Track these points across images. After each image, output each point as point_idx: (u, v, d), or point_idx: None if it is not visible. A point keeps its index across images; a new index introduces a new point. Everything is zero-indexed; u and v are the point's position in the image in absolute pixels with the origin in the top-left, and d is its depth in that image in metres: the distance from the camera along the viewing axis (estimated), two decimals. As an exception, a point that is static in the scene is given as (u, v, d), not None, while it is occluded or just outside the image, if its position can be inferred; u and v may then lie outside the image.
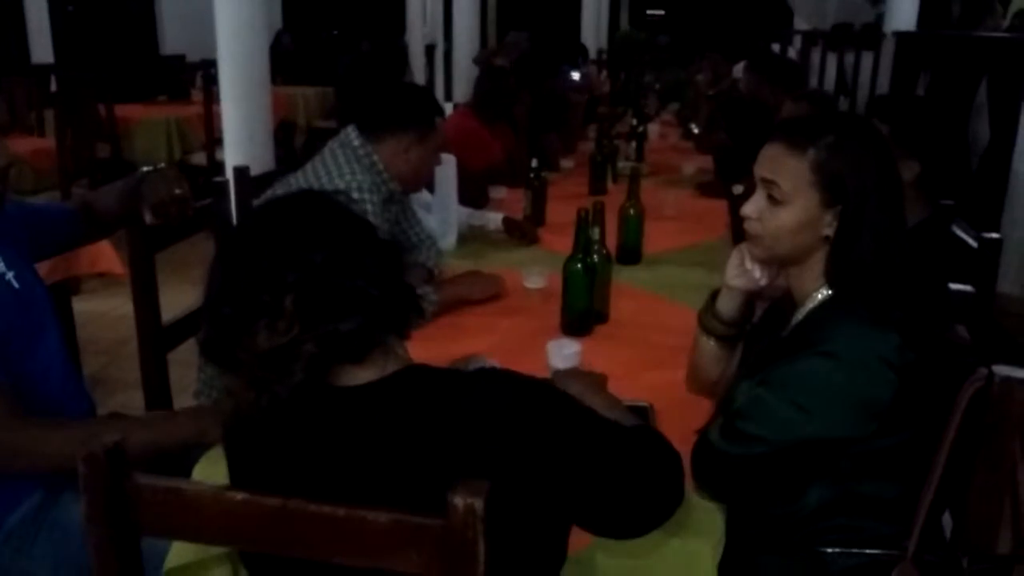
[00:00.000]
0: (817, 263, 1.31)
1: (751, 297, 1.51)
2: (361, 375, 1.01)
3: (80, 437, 1.40)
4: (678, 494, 1.11)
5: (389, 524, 0.84)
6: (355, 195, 1.92)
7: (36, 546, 1.46)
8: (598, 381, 1.49)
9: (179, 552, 1.33)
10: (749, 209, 1.34)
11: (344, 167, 1.98)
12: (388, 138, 2.02)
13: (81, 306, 3.60)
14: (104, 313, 3.79)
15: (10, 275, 1.52)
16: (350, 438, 0.99)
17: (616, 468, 1.05)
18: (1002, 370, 1.16)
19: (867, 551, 1.23)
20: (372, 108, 2.08)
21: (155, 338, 2.01)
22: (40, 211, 1.76)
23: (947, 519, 1.38)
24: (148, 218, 1.71)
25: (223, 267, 1.02)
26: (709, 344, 1.54)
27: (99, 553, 0.91)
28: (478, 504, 0.80)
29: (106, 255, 3.01)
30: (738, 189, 3.35)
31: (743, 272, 1.46)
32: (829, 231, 1.28)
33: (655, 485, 1.09)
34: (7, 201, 1.60)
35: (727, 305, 1.51)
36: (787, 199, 1.29)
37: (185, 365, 2.20)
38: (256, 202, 2.11)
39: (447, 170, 2.57)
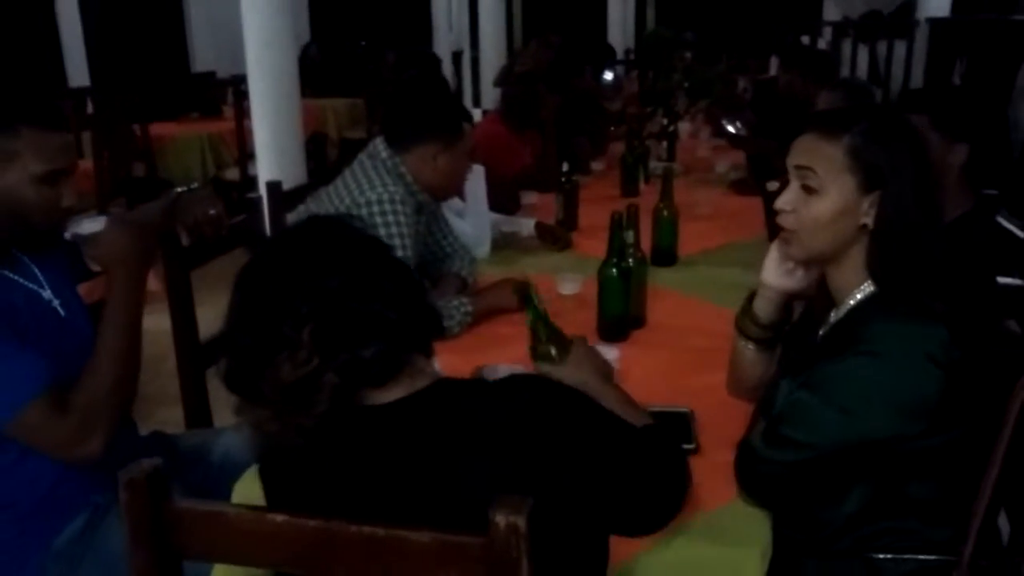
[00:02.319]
0: (857, 257, 1.27)
1: (789, 298, 1.48)
2: (390, 393, 1.00)
3: (105, 366, 1.48)
4: (684, 490, 1.14)
5: (431, 543, 0.83)
6: (387, 206, 1.92)
7: (83, 568, 1.48)
8: (606, 370, 1.49)
9: (221, 574, 1.34)
10: (783, 201, 1.31)
11: (375, 179, 1.98)
12: (415, 148, 2.02)
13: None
14: (144, 330, 3.84)
15: (56, 303, 1.55)
16: (383, 457, 0.99)
17: (637, 471, 1.06)
18: (1057, 367, 1.12)
19: (919, 556, 1.20)
20: (398, 119, 2.08)
21: (193, 354, 2.03)
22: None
23: (1003, 523, 1.34)
24: (184, 239, 1.72)
25: (240, 298, 1.03)
26: (748, 348, 1.51)
27: (142, 577, 0.91)
28: (520, 522, 0.79)
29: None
30: (773, 186, 3.29)
31: (781, 271, 1.43)
32: (867, 220, 1.24)
33: (669, 484, 1.11)
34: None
35: (764, 308, 1.48)
36: (822, 187, 1.26)
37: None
38: (290, 216, 2.12)
39: (476, 180, 2.57)
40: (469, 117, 2.14)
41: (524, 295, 1.50)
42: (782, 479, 1.25)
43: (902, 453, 1.22)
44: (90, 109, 5.56)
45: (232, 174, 5.70)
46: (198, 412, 2.05)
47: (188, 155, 5.66)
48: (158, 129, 5.69)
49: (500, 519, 0.79)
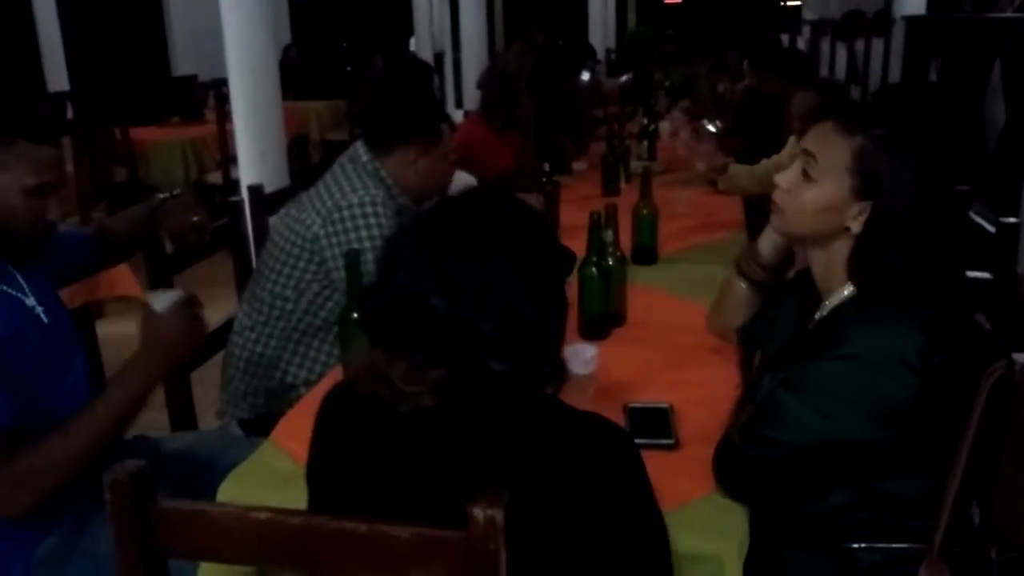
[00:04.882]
0: (839, 254, 1.29)
1: (793, 244, 1.48)
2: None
3: (74, 437, 1.42)
4: None
5: (411, 537, 0.85)
6: (368, 209, 1.93)
7: (69, 573, 1.48)
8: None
9: (208, 572, 1.35)
10: (781, 178, 1.33)
11: (356, 182, 1.99)
12: (395, 151, 2.03)
13: (105, 329, 3.62)
14: (127, 335, 3.80)
15: (40, 309, 1.55)
16: (416, 456, 0.98)
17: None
18: (1022, 358, 1.15)
19: (894, 545, 1.23)
20: (376, 122, 2.10)
21: (177, 359, 2.04)
22: (61, 239, 1.79)
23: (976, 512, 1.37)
24: (167, 246, 1.74)
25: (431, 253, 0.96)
26: (741, 287, 1.55)
27: (128, 577, 0.92)
28: (498, 515, 0.81)
29: (125, 279, 3.03)
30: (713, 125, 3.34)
31: None
32: (854, 225, 1.25)
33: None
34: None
35: (768, 248, 1.50)
36: (820, 177, 1.27)
37: (210, 383, 2.23)
38: (272, 219, 2.13)
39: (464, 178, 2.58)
40: (447, 118, 2.16)
41: None
42: (760, 476, 1.28)
43: (878, 454, 1.25)
44: (70, 114, 5.54)
45: (215, 178, 5.69)
46: (182, 415, 2.06)
47: (170, 159, 5.64)
48: (139, 134, 5.68)
49: (478, 512, 0.81)
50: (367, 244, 1.89)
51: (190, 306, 1.49)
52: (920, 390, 1.18)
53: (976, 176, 3.25)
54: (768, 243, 1.51)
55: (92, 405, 1.45)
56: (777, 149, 3.05)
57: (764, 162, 2.90)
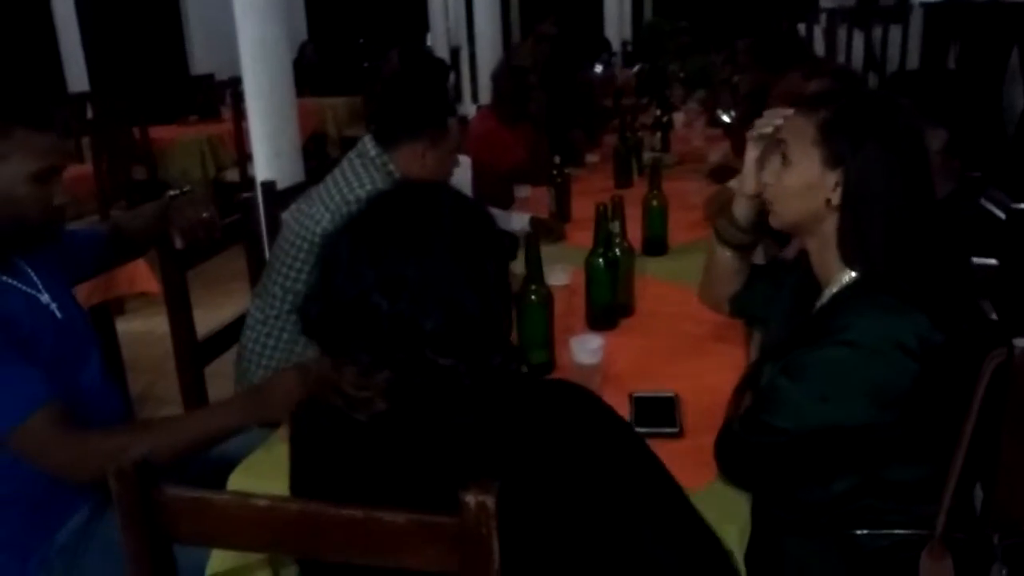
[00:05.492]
0: (833, 239, 1.30)
1: (794, 234, 1.50)
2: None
3: (125, 444, 1.46)
4: None
5: (407, 524, 0.86)
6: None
7: (87, 560, 1.52)
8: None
9: (220, 559, 1.37)
10: (767, 173, 1.38)
11: (364, 176, 2.01)
12: (403, 145, 2.04)
13: (125, 326, 3.70)
14: (148, 332, 3.88)
15: (54, 305, 1.58)
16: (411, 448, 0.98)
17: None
18: (1023, 344, 1.14)
19: (896, 531, 1.23)
20: (384, 116, 2.11)
21: (191, 353, 2.08)
22: (75, 237, 1.82)
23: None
24: (178, 242, 1.76)
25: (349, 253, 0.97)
26: (725, 255, 1.60)
27: (135, 562, 0.94)
28: (489, 501, 0.82)
29: (143, 275, 3.09)
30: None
31: (756, 172, 1.49)
32: (835, 196, 1.27)
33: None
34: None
35: (742, 211, 1.55)
36: (793, 158, 1.31)
37: (224, 377, 2.26)
38: (283, 215, 2.16)
39: (463, 171, 2.60)
40: (454, 111, 2.17)
41: None
42: (761, 463, 1.28)
43: (879, 439, 1.25)
44: (90, 114, 5.61)
45: (232, 175, 5.75)
46: (196, 407, 2.09)
47: (188, 158, 5.70)
48: (158, 132, 5.74)
49: (470, 499, 0.82)
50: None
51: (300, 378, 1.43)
52: (919, 375, 1.18)
53: (995, 162, 3.21)
54: (742, 205, 1.55)
55: (186, 417, 1.50)
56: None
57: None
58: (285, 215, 2.11)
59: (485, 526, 0.82)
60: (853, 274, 1.29)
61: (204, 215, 1.77)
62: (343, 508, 0.88)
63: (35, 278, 1.58)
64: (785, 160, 1.33)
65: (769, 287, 1.61)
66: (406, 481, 0.96)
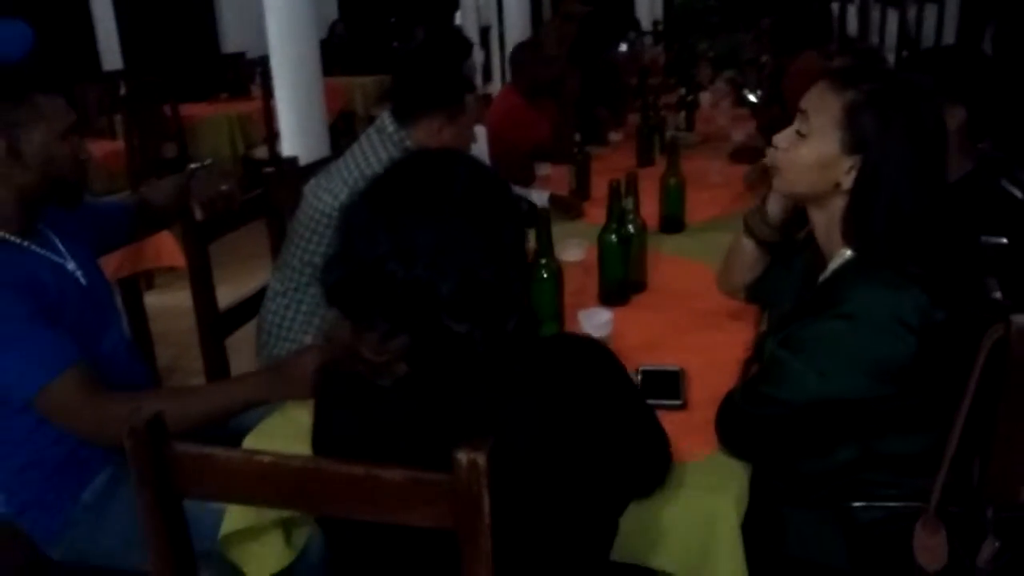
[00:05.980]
0: (839, 216, 1.30)
1: (800, 204, 1.50)
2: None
3: (152, 406, 1.51)
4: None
5: (403, 481, 0.90)
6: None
7: (112, 518, 1.58)
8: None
9: (233, 519, 1.43)
10: (778, 138, 1.36)
11: (382, 152, 2.04)
12: (420, 121, 2.07)
13: (152, 300, 3.79)
14: (175, 306, 3.96)
15: (79, 273, 1.64)
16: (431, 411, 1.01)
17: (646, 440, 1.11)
18: (1020, 319, 1.15)
19: (892, 504, 1.24)
20: (402, 92, 2.13)
21: (213, 324, 2.13)
22: (102, 209, 1.88)
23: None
24: (198, 214, 1.81)
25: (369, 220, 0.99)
26: (749, 246, 1.59)
27: (149, 516, 0.99)
28: (480, 459, 0.85)
29: (169, 249, 3.15)
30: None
31: None
32: (845, 181, 1.27)
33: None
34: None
35: (776, 207, 1.54)
36: (811, 134, 1.30)
37: (244, 351, 2.32)
38: (304, 188, 2.20)
39: (479, 145, 2.62)
40: (472, 88, 2.19)
41: None
42: (761, 433, 1.31)
43: (878, 412, 1.26)
44: (123, 91, 5.70)
45: (261, 153, 5.82)
46: (219, 378, 2.14)
47: (218, 135, 5.79)
48: (188, 110, 5.82)
49: (462, 457, 0.85)
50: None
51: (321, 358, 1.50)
52: (918, 349, 1.19)
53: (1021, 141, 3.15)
54: (776, 203, 1.53)
55: (209, 387, 1.56)
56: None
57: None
58: (305, 189, 2.15)
59: (476, 484, 0.85)
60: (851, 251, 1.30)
61: (223, 188, 1.81)
62: (344, 465, 0.92)
63: (60, 246, 1.64)
64: (801, 133, 1.31)
65: (781, 269, 1.61)
66: (424, 443, 0.98)
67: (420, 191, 0.98)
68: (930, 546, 1.18)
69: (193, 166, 1.88)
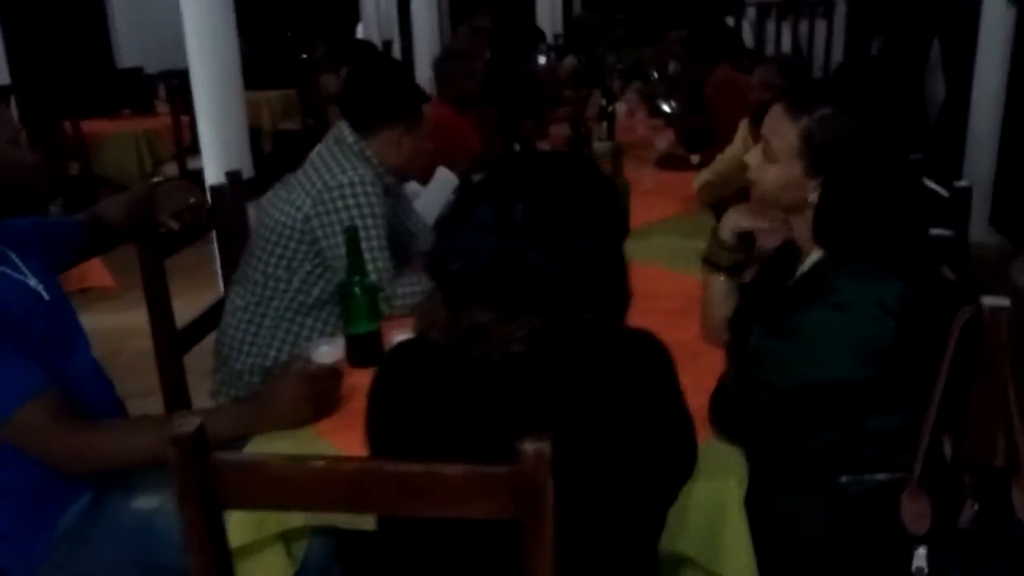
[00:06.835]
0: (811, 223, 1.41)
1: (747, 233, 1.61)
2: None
3: (127, 436, 1.48)
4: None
5: (463, 475, 0.92)
6: (359, 188, 1.98)
7: (91, 545, 1.52)
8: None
9: (234, 536, 1.40)
10: (750, 157, 1.47)
11: (344, 163, 2.04)
12: (380, 131, 2.08)
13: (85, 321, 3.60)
14: (92, 329, 3.80)
15: (40, 287, 1.58)
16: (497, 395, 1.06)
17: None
18: (989, 300, 1.26)
19: (878, 476, 1.34)
20: (361, 103, 2.14)
21: (170, 341, 2.07)
22: (55, 226, 1.81)
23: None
24: (172, 224, 1.77)
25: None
26: (719, 281, 1.65)
27: (191, 528, 0.97)
28: (545, 448, 0.88)
29: (96, 270, 3.04)
30: (695, 159, 3.49)
31: (745, 216, 1.59)
32: (813, 196, 1.39)
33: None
34: (27, 216, 1.67)
35: (726, 232, 1.63)
36: (775, 158, 1.42)
37: (201, 367, 2.26)
38: (261, 200, 2.17)
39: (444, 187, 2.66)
40: (427, 98, 2.22)
41: None
42: (753, 418, 1.39)
43: (862, 392, 1.37)
44: (15, 108, 5.42)
45: (171, 170, 5.62)
46: (177, 398, 2.09)
47: (123, 152, 5.57)
48: (91, 127, 5.59)
49: (528, 447, 0.88)
50: (358, 222, 1.94)
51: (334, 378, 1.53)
52: (899, 331, 1.30)
53: (919, 151, 3.40)
54: (728, 229, 1.63)
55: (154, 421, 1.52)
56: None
57: (720, 158, 3.01)
58: (263, 202, 2.12)
59: (541, 472, 0.88)
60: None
61: (192, 199, 1.78)
62: (400, 464, 0.93)
63: (19, 262, 1.58)
64: (769, 156, 1.43)
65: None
66: (523, 418, 1.01)
67: (557, 185, 1.06)
68: (916, 512, 1.27)
69: (156, 180, 1.84)
